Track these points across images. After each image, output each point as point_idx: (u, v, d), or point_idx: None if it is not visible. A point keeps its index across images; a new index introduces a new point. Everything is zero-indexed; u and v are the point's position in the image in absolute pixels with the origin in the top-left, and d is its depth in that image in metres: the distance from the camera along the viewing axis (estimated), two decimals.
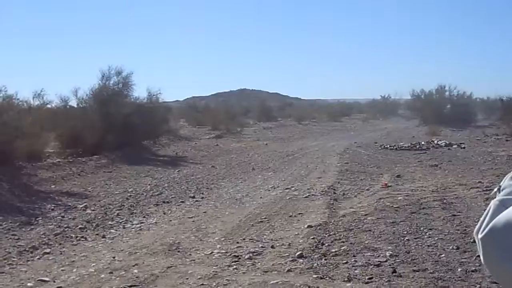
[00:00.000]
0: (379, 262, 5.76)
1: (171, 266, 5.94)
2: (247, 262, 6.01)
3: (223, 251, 6.50)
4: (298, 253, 6.22)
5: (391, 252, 6.09)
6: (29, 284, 5.53)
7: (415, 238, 6.72)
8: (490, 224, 1.00)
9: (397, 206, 8.64)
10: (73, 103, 18.57)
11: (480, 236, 1.02)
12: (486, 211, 1.03)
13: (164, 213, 9.16)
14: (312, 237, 6.97)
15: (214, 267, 5.86)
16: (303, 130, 34.22)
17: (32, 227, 8.15)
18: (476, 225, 1.04)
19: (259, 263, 5.98)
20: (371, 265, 5.70)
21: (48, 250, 6.84)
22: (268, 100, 56.45)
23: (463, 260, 5.81)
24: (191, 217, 8.72)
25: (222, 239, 7.13)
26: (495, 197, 1.06)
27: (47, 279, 5.65)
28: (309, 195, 10.15)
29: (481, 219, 1.03)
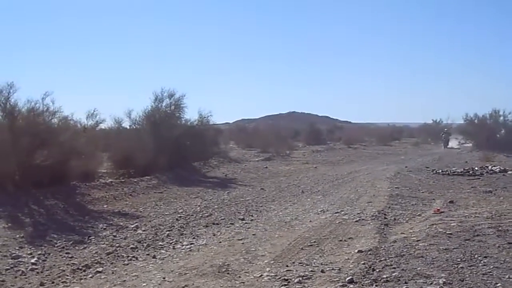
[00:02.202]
0: None
1: None
2: (297, 286, 5.97)
3: (273, 274, 6.47)
4: (348, 278, 6.13)
5: (444, 280, 5.93)
6: None
7: (469, 266, 6.53)
8: None
9: (450, 232, 8.44)
10: (126, 124, 19.03)
11: None
12: None
13: (214, 235, 9.20)
14: (362, 262, 6.87)
15: None
16: (352, 153, 33.91)
17: (85, 245, 8.33)
18: None
19: (309, 287, 5.93)
20: None
21: (100, 269, 6.96)
22: (317, 123, 56.32)
23: None
24: (241, 239, 8.73)
25: (272, 262, 7.10)
26: None
27: None
28: (359, 220, 10.02)
29: None
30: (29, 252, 7.76)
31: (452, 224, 9.10)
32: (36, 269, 6.95)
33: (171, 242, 8.65)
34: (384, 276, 6.17)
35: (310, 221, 10.22)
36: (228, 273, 6.58)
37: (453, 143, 40.29)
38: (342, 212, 10.96)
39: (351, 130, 58.39)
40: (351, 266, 6.74)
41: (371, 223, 9.63)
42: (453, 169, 20.11)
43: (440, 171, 19.61)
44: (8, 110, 11.85)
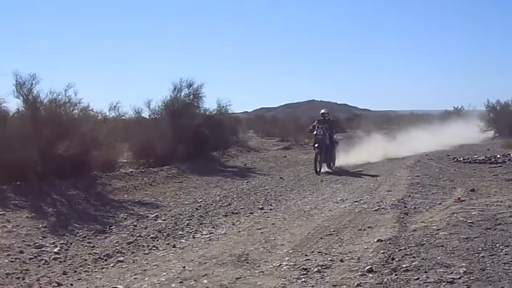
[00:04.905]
0: (452, 279, 5.59)
1: (240, 277, 5.98)
2: (316, 275, 5.97)
3: (292, 263, 6.49)
4: (367, 267, 6.12)
5: (465, 269, 5.89)
6: None
7: (490, 255, 6.47)
8: None
9: (471, 221, 8.36)
10: (146, 114, 19.15)
11: None
12: None
13: (233, 224, 9.25)
14: (382, 251, 6.85)
15: (282, 279, 5.85)
16: (371, 141, 33.67)
17: (106, 235, 8.43)
18: None
19: (328, 277, 5.93)
20: (444, 282, 5.53)
21: (121, 258, 7.05)
22: (336, 111, 56.03)
23: None
24: (260, 229, 8.76)
25: (291, 251, 7.12)
26: None
27: (120, 287, 5.81)
28: (378, 209, 9.99)
29: None
30: (52, 241, 7.88)
31: (473, 213, 9.02)
32: (59, 258, 7.06)
33: (190, 231, 8.71)
34: (404, 265, 6.15)
35: (329, 210, 10.22)
36: (247, 262, 6.61)
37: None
38: (362, 201, 10.94)
39: (370, 117, 58.00)
40: (370, 255, 6.73)
41: (390, 212, 9.59)
42: (475, 156, 19.87)
43: (461, 159, 19.40)
44: (31, 101, 11.99)
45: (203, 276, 6.05)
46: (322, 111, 18.25)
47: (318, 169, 16.76)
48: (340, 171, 17.13)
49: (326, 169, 17.24)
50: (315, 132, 17.54)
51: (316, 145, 17.31)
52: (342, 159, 18.94)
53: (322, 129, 17.39)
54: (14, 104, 12.73)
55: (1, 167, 10.74)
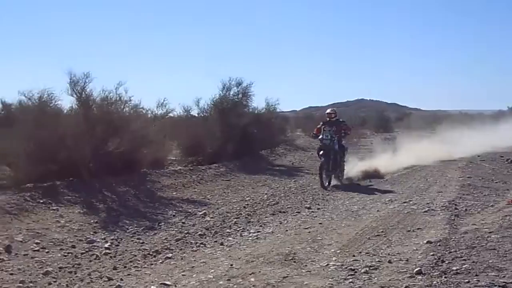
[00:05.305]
0: (504, 283, 5.44)
1: (287, 276, 5.98)
2: (363, 276, 5.92)
3: (339, 263, 6.45)
4: (416, 269, 6.02)
5: None
6: (152, 286, 5.82)
7: None
8: None
9: None
10: (195, 112, 19.35)
11: None
12: None
13: (280, 223, 9.26)
14: (431, 253, 6.72)
15: (330, 280, 5.82)
16: (422, 141, 33.10)
17: (155, 231, 8.57)
18: None
19: (376, 278, 5.86)
20: (496, 286, 5.39)
21: (170, 255, 7.16)
22: (386, 110, 55.41)
23: None
24: (307, 228, 8.75)
25: (338, 251, 7.08)
26: None
27: (169, 283, 5.90)
28: (428, 210, 9.82)
29: None
30: (102, 237, 8.07)
31: None
32: (109, 253, 7.22)
33: (238, 229, 8.77)
34: (454, 268, 6.03)
35: (378, 210, 10.11)
36: (294, 262, 6.61)
37: None
38: (411, 202, 10.77)
39: (420, 117, 57.05)
40: (419, 257, 6.62)
41: (441, 214, 9.41)
42: None
43: None
44: (83, 99, 12.24)
45: (250, 274, 6.08)
46: (328, 110, 14.99)
47: (326, 183, 13.69)
48: (382, 175, 16.74)
49: (334, 181, 14.22)
50: (320, 137, 14.30)
51: (321, 152, 14.12)
52: (387, 161, 18.22)
53: (329, 132, 14.13)
54: (67, 102, 13.00)
55: (55, 164, 11.01)
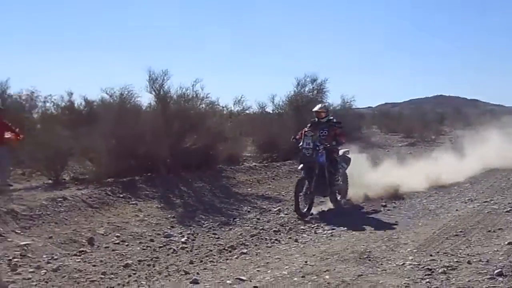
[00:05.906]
0: None
1: (361, 275, 5.91)
2: (441, 277, 5.76)
3: (416, 263, 6.31)
4: (497, 270, 5.81)
5: None
6: (228, 281, 5.89)
7: None
8: None
9: None
10: (270, 109, 19.45)
11: None
12: None
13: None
14: None
15: (406, 279, 5.70)
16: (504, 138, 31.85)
17: (231, 227, 8.69)
18: None
19: (454, 279, 5.70)
20: None
21: (245, 250, 7.24)
22: (465, 106, 53.74)
23: None
24: (383, 226, 8.61)
25: (415, 250, 6.92)
26: None
27: (244, 278, 5.96)
28: (510, 210, 9.44)
29: None
30: (179, 231, 8.26)
31: None
32: (186, 248, 7.38)
33: (312, 226, 8.75)
34: None
35: (456, 210, 9.82)
36: (369, 260, 6.52)
37: None
38: (492, 202, 10.39)
39: (503, 113, 54.88)
40: (500, 258, 6.38)
41: None
42: None
43: None
44: (161, 96, 12.55)
45: (324, 271, 6.05)
46: (316, 108, 10.99)
47: (304, 208, 9.51)
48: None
49: (326, 206, 10.44)
50: (300, 144, 10.06)
51: (301, 165, 10.13)
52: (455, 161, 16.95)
53: (311, 138, 9.94)
54: (146, 99, 13.37)
55: (134, 159, 11.36)
